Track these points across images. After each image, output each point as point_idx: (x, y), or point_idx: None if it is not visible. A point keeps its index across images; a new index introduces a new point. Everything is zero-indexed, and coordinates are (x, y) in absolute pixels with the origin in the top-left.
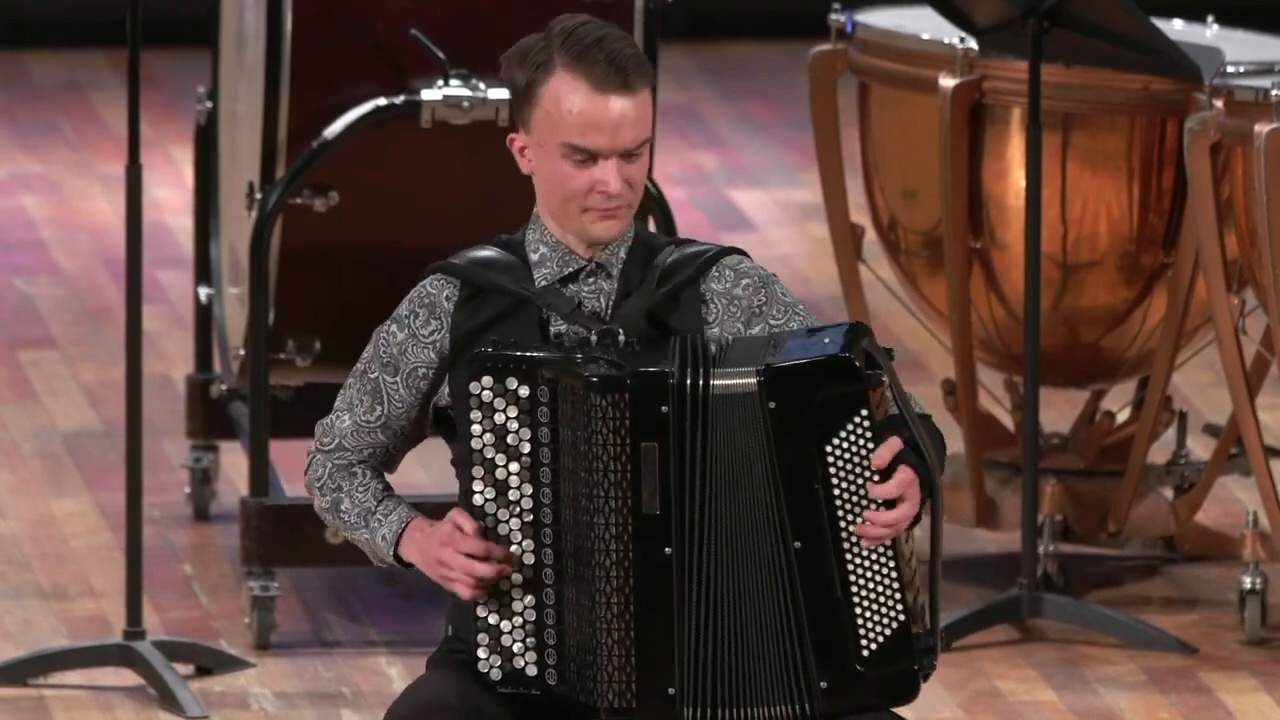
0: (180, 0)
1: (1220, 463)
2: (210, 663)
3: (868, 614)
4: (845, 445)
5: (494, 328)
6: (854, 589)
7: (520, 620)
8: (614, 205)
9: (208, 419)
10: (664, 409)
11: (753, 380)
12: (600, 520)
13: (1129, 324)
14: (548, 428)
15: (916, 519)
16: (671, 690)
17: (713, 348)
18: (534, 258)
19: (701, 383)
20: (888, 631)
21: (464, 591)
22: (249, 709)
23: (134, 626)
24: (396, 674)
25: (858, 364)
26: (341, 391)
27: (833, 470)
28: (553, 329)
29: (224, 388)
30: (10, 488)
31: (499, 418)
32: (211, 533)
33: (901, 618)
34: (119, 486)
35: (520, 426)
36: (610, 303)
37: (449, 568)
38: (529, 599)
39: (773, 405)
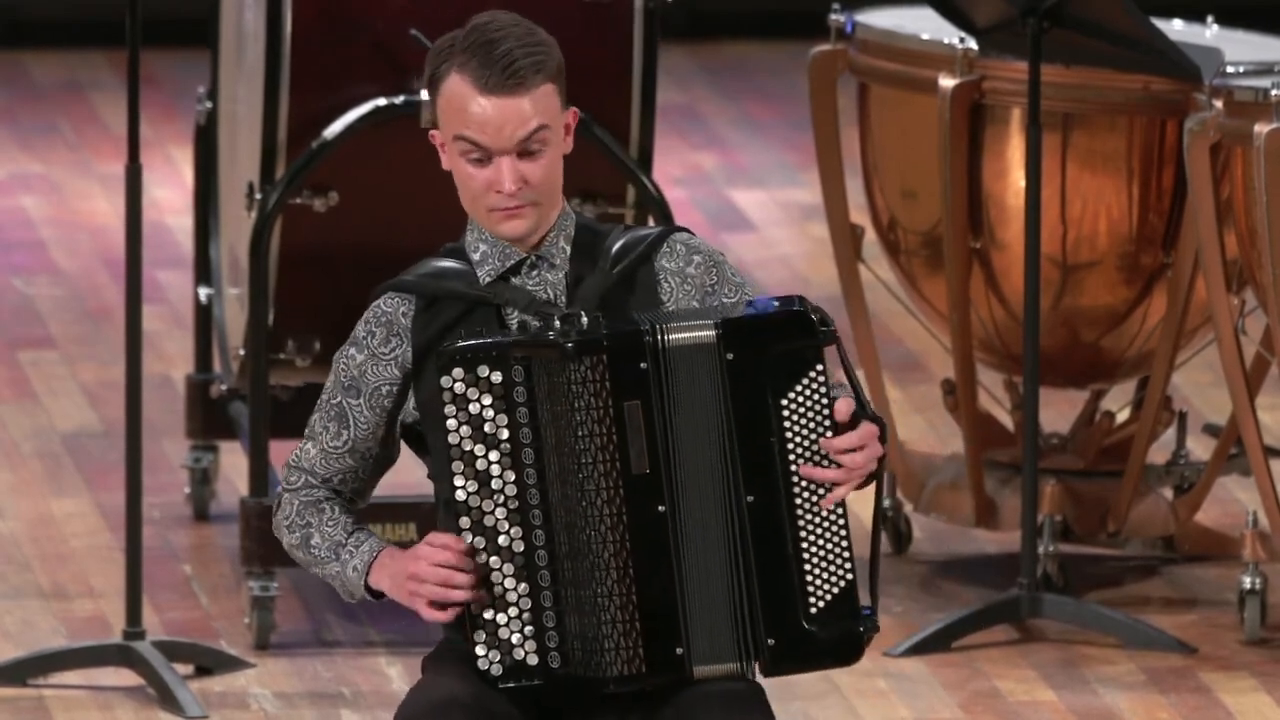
0: (180, 0)
1: (1220, 463)
2: (210, 663)
3: (816, 571)
4: (800, 400)
5: (452, 333)
6: (804, 545)
7: (516, 610)
8: (514, 205)
9: (208, 419)
10: (642, 365)
11: (711, 332)
12: (591, 487)
13: (1129, 324)
14: (525, 407)
15: (870, 478)
16: (679, 650)
17: (670, 312)
18: (475, 257)
19: (670, 336)
20: (835, 590)
21: (429, 613)
22: (249, 709)
23: (134, 627)
24: (396, 674)
25: (813, 318)
26: (307, 428)
27: (787, 425)
28: (512, 323)
29: (224, 388)
30: (10, 488)
31: (474, 408)
32: (211, 533)
33: (850, 576)
34: (119, 486)
35: (496, 413)
36: (558, 293)
37: (419, 579)
38: (522, 587)
39: (730, 356)
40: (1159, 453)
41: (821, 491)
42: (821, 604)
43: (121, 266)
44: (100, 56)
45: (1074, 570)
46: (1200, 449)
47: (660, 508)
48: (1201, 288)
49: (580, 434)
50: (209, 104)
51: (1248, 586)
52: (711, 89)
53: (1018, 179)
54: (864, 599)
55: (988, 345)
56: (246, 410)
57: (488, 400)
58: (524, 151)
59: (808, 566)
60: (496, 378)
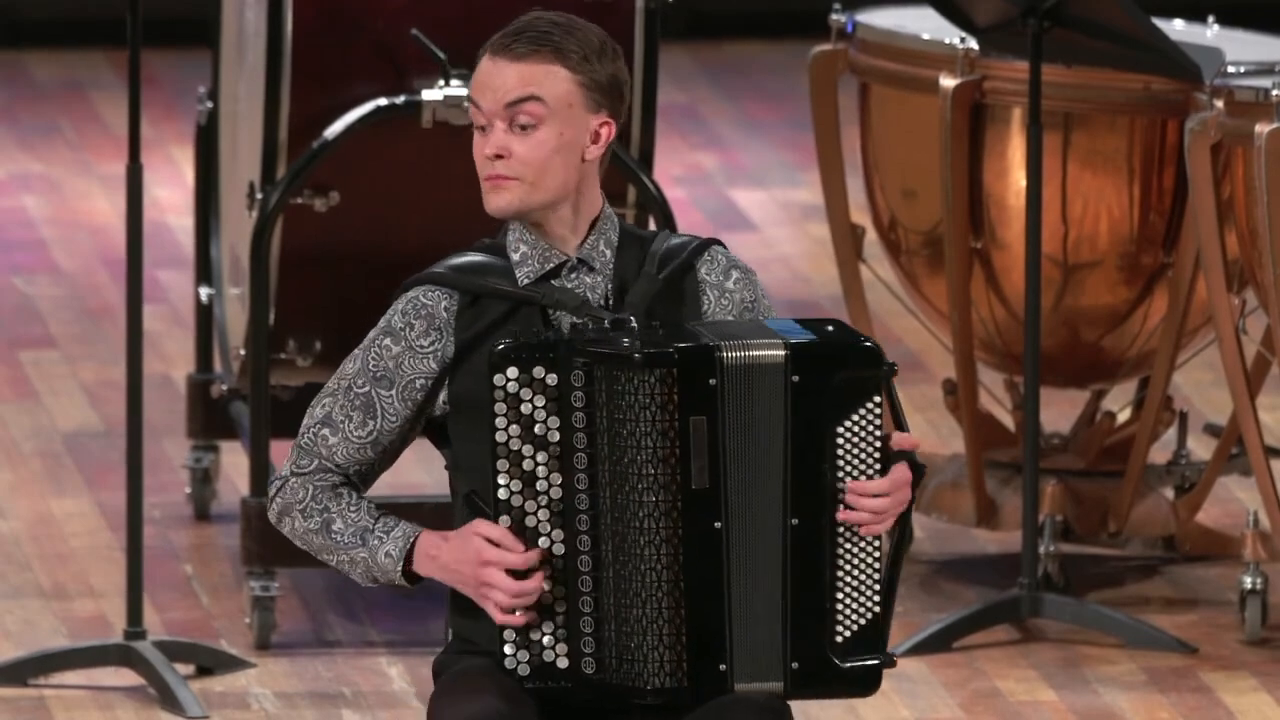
0: (180, 0)
1: (1221, 463)
2: (210, 663)
3: (847, 600)
4: (855, 429)
5: (497, 332)
6: (839, 573)
7: (550, 612)
8: (495, 174)
9: (208, 419)
10: (711, 381)
11: (780, 353)
12: (650, 499)
13: (1129, 324)
14: (582, 413)
15: (897, 522)
16: (723, 666)
17: (728, 328)
18: (515, 257)
19: (739, 354)
20: (862, 621)
21: (499, 615)
22: (249, 709)
23: (134, 626)
24: (397, 674)
25: (879, 351)
26: (311, 411)
27: (840, 452)
28: (557, 324)
29: (224, 388)
30: (10, 488)
31: (525, 408)
32: (212, 533)
33: (877, 609)
34: (119, 486)
35: (549, 415)
36: (599, 296)
37: (492, 587)
38: (559, 589)
39: (795, 379)
40: (1160, 453)
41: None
42: (848, 633)
43: (122, 266)
44: (100, 56)
45: (1075, 570)
46: (1201, 449)
47: (716, 524)
48: (1202, 287)
49: (644, 445)
50: (210, 104)
51: (1248, 586)
52: (711, 89)
53: (1018, 179)
54: None
55: (988, 345)
56: (247, 410)
57: (541, 402)
58: (516, 124)
59: (839, 595)
60: (552, 380)
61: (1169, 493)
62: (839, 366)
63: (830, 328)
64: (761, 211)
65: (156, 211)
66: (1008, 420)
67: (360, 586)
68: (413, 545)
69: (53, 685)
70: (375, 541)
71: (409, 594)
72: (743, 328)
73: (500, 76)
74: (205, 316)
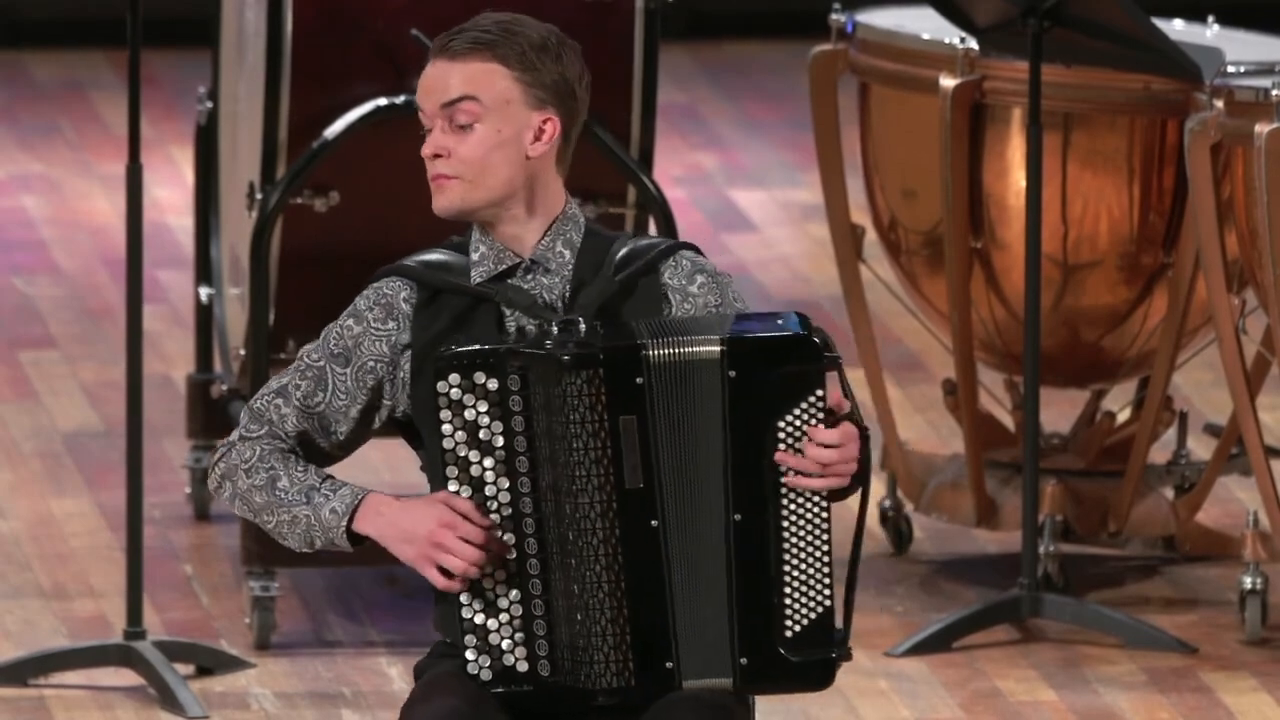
0: (180, 0)
1: (1220, 463)
2: (210, 663)
3: (796, 595)
4: (796, 423)
5: (455, 330)
6: (786, 569)
7: (507, 616)
8: (436, 173)
9: (208, 419)
10: (638, 380)
11: (716, 348)
12: (585, 500)
13: (1129, 324)
14: (521, 416)
15: (845, 492)
16: (669, 664)
17: (670, 324)
18: (474, 257)
19: (669, 350)
20: (812, 615)
21: (440, 579)
22: (249, 709)
23: (134, 626)
24: (396, 674)
25: (818, 342)
26: (267, 384)
27: (781, 446)
28: (510, 325)
29: (224, 388)
30: (10, 488)
31: (469, 414)
32: (211, 533)
33: (827, 603)
34: (119, 486)
35: (492, 420)
36: (556, 298)
37: (446, 550)
38: (514, 593)
39: (732, 374)
40: (1160, 453)
41: (808, 513)
42: (798, 628)
43: (122, 266)
44: (100, 56)
45: (1074, 570)
46: (1201, 449)
47: (653, 522)
48: (1202, 288)
49: (575, 446)
50: (210, 104)
51: (1248, 586)
52: (711, 89)
53: (1018, 179)
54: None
55: (988, 345)
56: None
57: (484, 407)
58: (455, 124)
59: (788, 590)
60: (493, 385)
61: (1169, 493)
62: (778, 362)
63: (780, 320)
64: (761, 211)
65: (156, 211)
66: (1008, 420)
67: (359, 586)
68: (360, 501)
69: (53, 685)
70: (320, 499)
71: (408, 593)
72: (688, 324)
73: (439, 77)
74: (205, 316)
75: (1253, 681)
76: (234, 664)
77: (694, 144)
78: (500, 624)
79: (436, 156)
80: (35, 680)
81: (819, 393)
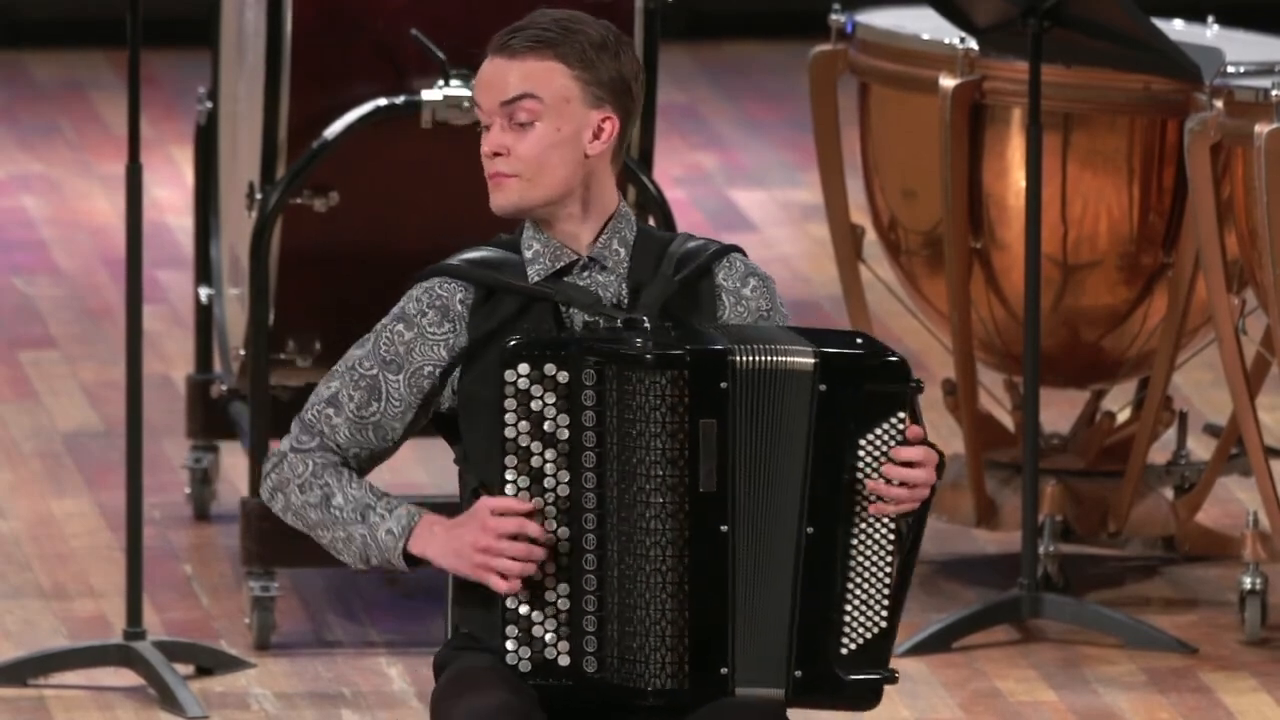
0: (180, 0)
1: (1220, 463)
2: (210, 663)
3: (856, 613)
4: (878, 442)
5: (511, 327)
6: (850, 585)
7: (554, 609)
8: (495, 171)
9: (208, 419)
10: (723, 384)
11: (810, 360)
12: (658, 499)
13: (1129, 324)
14: (592, 411)
15: (917, 512)
16: (724, 669)
17: (748, 331)
18: (527, 255)
19: (757, 358)
20: (869, 635)
21: (500, 585)
22: (249, 709)
23: (134, 626)
24: (397, 674)
25: (907, 366)
26: (317, 391)
27: (860, 464)
28: (569, 322)
29: (224, 388)
30: (10, 488)
31: (535, 405)
32: (211, 533)
33: (884, 624)
34: (119, 486)
35: (559, 413)
36: (612, 295)
37: (492, 554)
38: (563, 587)
39: (823, 388)
40: (1159, 453)
41: (877, 532)
42: (854, 646)
43: (122, 266)
44: (100, 56)
45: (1074, 570)
46: (1201, 449)
47: (723, 527)
48: (1202, 288)
49: (652, 445)
50: (209, 104)
51: (1248, 586)
52: (711, 89)
53: (1018, 179)
54: None
55: (988, 345)
56: (247, 410)
57: (551, 399)
58: (515, 122)
59: (849, 607)
60: (563, 377)
61: (1169, 493)
62: (867, 379)
63: (859, 340)
64: (761, 211)
65: (156, 211)
66: (1007, 420)
67: (359, 586)
68: (415, 523)
69: (53, 685)
70: (376, 518)
71: (408, 593)
72: (767, 333)
73: (498, 75)
74: (205, 316)
75: (1253, 682)
76: (234, 664)
77: (694, 144)
78: (545, 616)
79: (495, 154)
80: (35, 680)
81: (901, 414)
